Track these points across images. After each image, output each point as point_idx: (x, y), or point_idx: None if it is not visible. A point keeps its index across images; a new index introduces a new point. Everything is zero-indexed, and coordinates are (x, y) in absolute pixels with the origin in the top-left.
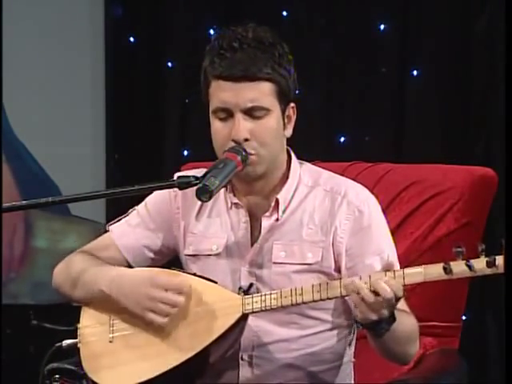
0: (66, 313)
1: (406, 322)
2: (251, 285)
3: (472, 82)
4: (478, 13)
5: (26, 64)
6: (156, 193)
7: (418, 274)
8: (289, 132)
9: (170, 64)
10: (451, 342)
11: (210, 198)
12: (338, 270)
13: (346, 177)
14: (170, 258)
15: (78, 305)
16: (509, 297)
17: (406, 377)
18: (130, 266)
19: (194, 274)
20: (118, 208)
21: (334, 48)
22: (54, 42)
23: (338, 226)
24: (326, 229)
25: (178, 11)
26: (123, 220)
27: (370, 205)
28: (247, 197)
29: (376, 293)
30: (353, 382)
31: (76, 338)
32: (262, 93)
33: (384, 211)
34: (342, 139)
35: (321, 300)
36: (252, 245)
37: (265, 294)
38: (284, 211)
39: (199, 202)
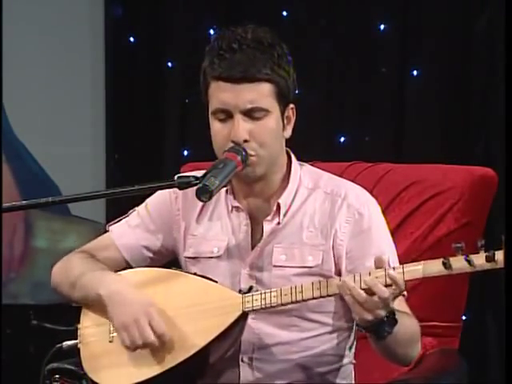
0: (66, 313)
1: (408, 323)
2: (251, 287)
3: (472, 82)
4: (478, 13)
5: (26, 64)
6: (157, 194)
7: (417, 269)
8: (288, 133)
9: (169, 64)
10: (451, 341)
11: (210, 197)
12: (339, 272)
13: (346, 177)
14: (169, 259)
15: (77, 305)
16: (509, 296)
17: (406, 377)
18: (128, 266)
19: (195, 274)
20: (118, 208)
21: (334, 48)
22: (54, 42)
23: (338, 228)
24: (326, 232)
25: (177, 11)
26: (123, 220)
27: (370, 207)
28: (248, 199)
29: (371, 292)
30: (353, 382)
31: (76, 338)
32: (261, 94)
33: (384, 211)
34: (342, 139)
35: (321, 297)
36: (252, 248)
37: (265, 292)
38: (285, 214)
39: (200, 205)
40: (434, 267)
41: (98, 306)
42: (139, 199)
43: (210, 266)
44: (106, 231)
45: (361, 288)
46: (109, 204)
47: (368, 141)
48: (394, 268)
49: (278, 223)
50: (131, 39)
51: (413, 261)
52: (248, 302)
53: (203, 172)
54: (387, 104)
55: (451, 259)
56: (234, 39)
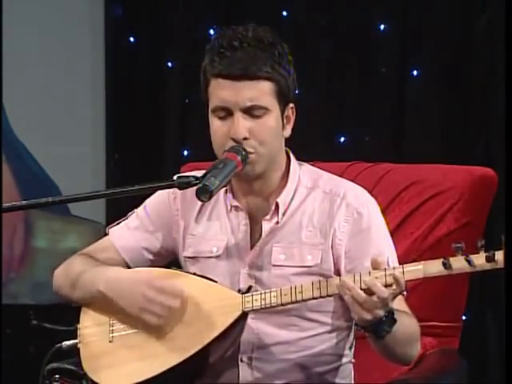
0: (66, 313)
1: (407, 323)
2: (250, 287)
3: (472, 82)
4: (478, 13)
5: (26, 64)
6: (155, 195)
7: (417, 270)
8: (287, 132)
9: (170, 64)
10: (451, 341)
11: (210, 197)
12: (338, 272)
13: (346, 177)
14: (169, 260)
15: (78, 305)
16: (509, 296)
17: (406, 377)
18: (128, 268)
19: (194, 274)
20: (118, 208)
21: (334, 48)
22: (54, 42)
23: (336, 228)
24: (325, 231)
25: (178, 11)
26: (123, 223)
27: (369, 207)
28: (247, 199)
29: (370, 292)
30: (353, 382)
31: (76, 338)
32: (261, 92)
33: (384, 211)
34: (342, 139)
35: (321, 297)
36: (252, 247)
37: (264, 292)
38: (284, 214)
39: (198, 205)
40: (434, 267)
41: (99, 304)
42: (139, 199)
43: (210, 266)
44: (105, 234)
45: (360, 288)
46: (109, 204)
47: (368, 141)
48: (393, 268)
49: (277, 222)
50: (131, 39)
51: (413, 261)
52: (248, 302)
53: (203, 172)
54: (387, 104)
55: (451, 259)
56: (234, 37)
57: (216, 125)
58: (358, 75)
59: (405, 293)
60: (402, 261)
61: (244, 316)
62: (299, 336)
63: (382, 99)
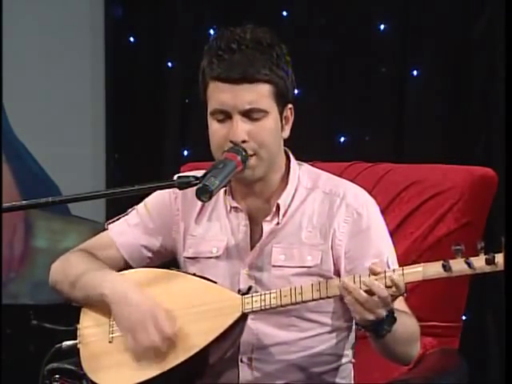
0: (66, 313)
1: (408, 322)
2: (250, 287)
3: (472, 82)
4: (478, 13)
5: (26, 64)
6: (156, 194)
7: (417, 272)
8: (286, 133)
9: (170, 64)
10: (451, 341)
11: (210, 198)
12: (338, 273)
13: (346, 177)
14: (168, 259)
15: (77, 305)
16: (509, 297)
17: (406, 377)
18: (127, 265)
19: (194, 274)
20: (118, 208)
21: (334, 48)
22: (54, 42)
23: (336, 228)
24: (325, 231)
25: (177, 11)
26: (122, 219)
27: (368, 207)
28: (246, 200)
29: (371, 292)
30: (352, 382)
31: (76, 339)
32: (260, 95)
33: (384, 211)
34: (342, 139)
35: (320, 299)
36: (251, 248)
37: (264, 294)
38: (284, 214)
39: (199, 205)
40: (434, 270)
41: (99, 305)
42: (139, 199)
43: (209, 266)
44: (104, 229)
45: (361, 289)
46: (109, 204)
47: (368, 141)
48: (393, 270)
49: (278, 223)
50: (131, 39)
51: (413, 261)
52: (248, 303)
53: (203, 172)
54: (387, 104)
55: (451, 262)
56: (232, 39)
57: (215, 127)
58: (357, 75)
59: (405, 294)
60: (402, 261)
61: (244, 317)
62: (299, 336)
63: (382, 99)
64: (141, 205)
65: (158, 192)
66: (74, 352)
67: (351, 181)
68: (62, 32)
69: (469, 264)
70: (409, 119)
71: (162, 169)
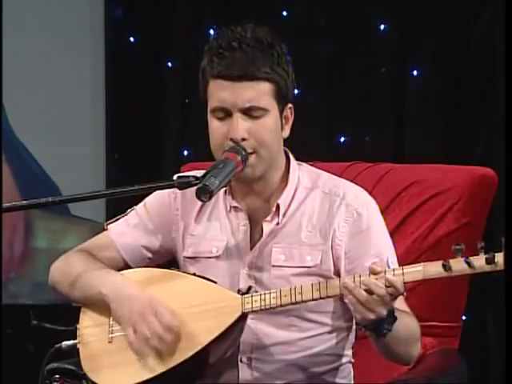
0: (66, 313)
1: (408, 322)
2: (250, 287)
3: (472, 82)
4: (478, 13)
5: (26, 64)
6: (155, 194)
7: (417, 271)
8: (286, 133)
9: (170, 64)
10: (451, 341)
11: (210, 197)
12: (337, 273)
13: (346, 177)
14: (168, 259)
15: (77, 305)
16: (509, 297)
17: (406, 377)
18: (127, 265)
19: (194, 274)
20: (118, 208)
21: (334, 48)
22: (54, 42)
23: (336, 228)
24: (325, 231)
25: (177, 11)
26: (122, 219)
27: (368, 207)
28: (246, 199)
29: (371, 291)
30: (352, 382)
31: (75, 339)
32: (260, 93)
33: (384, 211)
34: (342, 139)
35: (320, 298)
36: (251, 248)
37: (264, 293)
38: (284, 214)
39: (198, 205)
40: (434, 269)
41: (99, 305)
42: (139, 199)
43: (209, 266)
44: (103, 230)
45: (361, 288)
46: (109, 204)
47: (368, 141)
48: (393, 270)
49: (278, 223)
50: (131, 39)
51: (413, 261)
52: (247, 303)
53: (203, 172)
54: (387, 104)
55: (451, 261)
56: (233, 38)
57: (215, 125)
58: (357, 75)
59: (405, 293)
60: (402, 261)
61: (244, 317)
62: (299, 336)
63: (382, 99)
64: (140, 205)
65: (158, 192)
66: (74, 352)
67: (351, 181)
68: (62, 32)
69: (469, 263)
70: (409, 119)
71: (162, 169)
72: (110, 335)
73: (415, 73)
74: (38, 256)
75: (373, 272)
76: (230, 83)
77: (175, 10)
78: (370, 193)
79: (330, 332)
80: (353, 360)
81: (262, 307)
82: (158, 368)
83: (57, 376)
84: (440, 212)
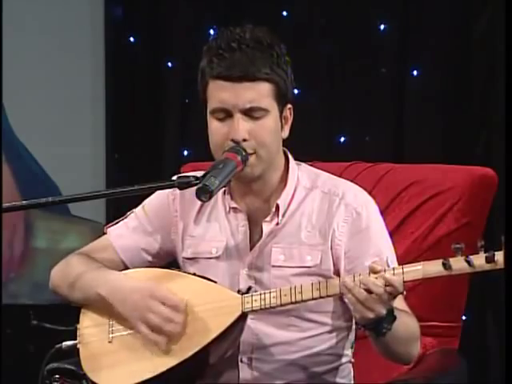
0: (66, 313)
1: (408, 321)
2: (250, 288)
3: (472, 82)
4: (478, 13)
5: (26, 64)
6: (154, 196)
7: (417, 270)
8: (285, 133)
9: (170, 64)
10: (451, 341)
11: (210, 197)
12: (337, 272)
13: (346, 177)
14: (167, 261)
15: (77, 305)
16: (509, 296)
17: (406, 377)
18: (126, 268)
19: (194, 274)
20: (117, 208)
21: (334, 48)
22: (54, 42)
23: (335, 228)
24: (325, 231)
25: (178, 11)
26: (121, 222)
27: (367, 207)
28: (246, 200)
29: (370, 290)
30: (352, 382)
31: (76, 339)
32: (260, 93)
33: (384, 211)
34: (342, 139)
35: (320, 298)
36: (251, 248)
37: (264, 293)
38: (283, 215)
39: (197, 206)
40: (434, 268)
41: (99, 305)
42: (139, 199)
43: (209, 267)
44: (103, 233)
45: (360, 287)
46: (109, 204)
47: (368, 141)
48: (393, 269)
49: (277, 224)
50: (131, 39)
51: (413, 261)
52: (247, 302)
53: (203, 172)
54: (387, 104)
55: (451, 260)
56: (232, 39)
57: (215, 126)
58: (357, 75)
59: (404, 292)
60: (402, 261)
61: (244, 316)
62: (299, 336)
63: (381, 99)
64: (139, 208)
65: (156, 194)
66: (74, 352)
67: (351, 181)
68: (62, 32)
69: (469, 262)
70: (409, 119)
71: (162, 169)
72: (110, 335)
73: (415, 73)
74: (38, 256)
75: (373, 271)
76: (230, 84)
77: (175, 10)
78: (370, 193)
79: (329, 332)
80: (353, 360)
81: (262, 307)
82: (158, 368)
83: (57, 376)
84: (440, 212)
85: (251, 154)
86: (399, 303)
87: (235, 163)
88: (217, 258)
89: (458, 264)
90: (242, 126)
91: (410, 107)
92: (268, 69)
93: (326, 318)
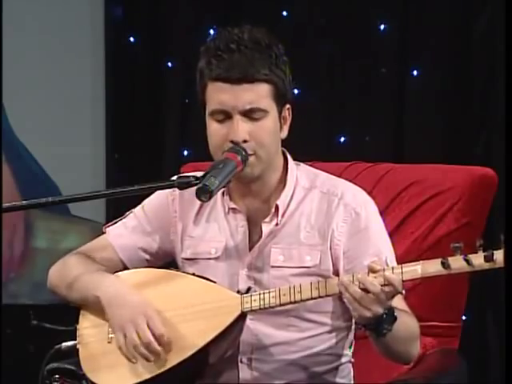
0: (66, 313)
1: (408, 321)
2: (249, 288)
3: (472, 82)
4: (478, 13)
5: (26, 64)
6: (154, 196)
7: (415, 269)
8: (284, 133)
9: (170, 64)
10: (451, 341)
11: (210, 198)
12: (337, 273)
13: (346, 177)
14: (166, 261)
15: (75, 305)
16: (509, 296)
17: (406, 376)
18: (125, 267)
19: (193, 274)
20: (117, 208)
21: (334, 48)
22: (54, 42)
23: (334, 228)
24: (324, 232)
25: (178, 11)
26: (120, 222)
27: (367, 207)
28: (245, 200)
29: (365, 289)
30: (352, 381)
31: (75, 339)
32: (260, 94)
33: (384, 211)
34: (342, 139)
35: (319, 297)
36: (250, 249)
37: (263, 293)
38: (282, 215)
39: (196, 207)
40: (433, 267)
41: (97, 307)
42: (139, 199)
43: (208, 267)
44: (103, 233)
45: (358, 287)
46: (109, 204)
47: (368, 141)
48: (392, 268)
49: (276, 224)
50: (131, 39)
51: (413, 261)
52: (247, 302)
53: (203, 172)
54: (387, 104)
55: (450, 259)
56: (231, 39)
57: (214, 128)
58: (357, 75)
59: (403, 292)
60: (402, 261)
61: (243, 316)
62: (298, 336)
63: (381, 99)
64: (138, 208)
65: (156, 194)
66: (74, 352)
67: (351, 181)
68: (62, 32)
69: (468, 261)
70: (409, 119)
71: (162, 169)
72: (110, 335)
73: (415, 73)
74: (38, 256)
75: (372, 270)
76: (229, 86)
77: (175, 10)
78: (370, 193)
79: (329, 332)
80: (352, 360)
81: (262, 306)
82: (157, 368)
83: (57, 376)
84: (440, 212)
85: (251, 154)
86: (399, 303)
87: (235, 163)
88: (216, 258)
89: (457, 263)
90: (241, 128)
91: (410, 107)
92: (267, 70)
93: (326, 318)
